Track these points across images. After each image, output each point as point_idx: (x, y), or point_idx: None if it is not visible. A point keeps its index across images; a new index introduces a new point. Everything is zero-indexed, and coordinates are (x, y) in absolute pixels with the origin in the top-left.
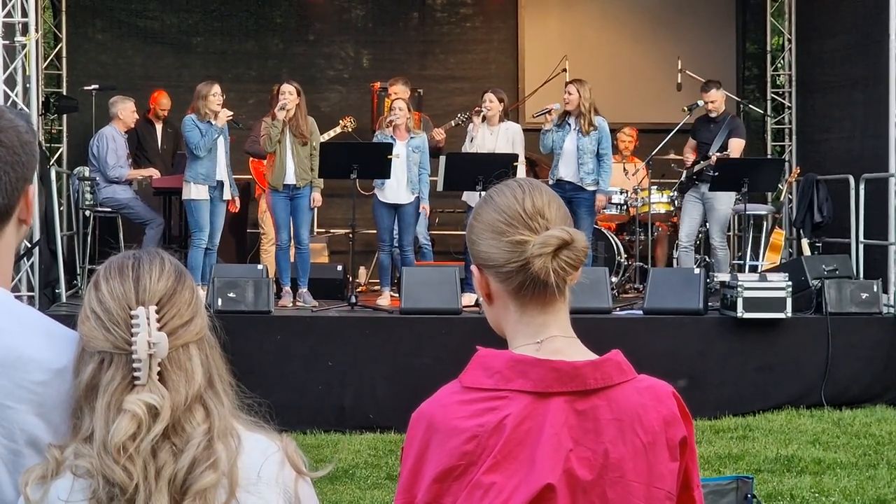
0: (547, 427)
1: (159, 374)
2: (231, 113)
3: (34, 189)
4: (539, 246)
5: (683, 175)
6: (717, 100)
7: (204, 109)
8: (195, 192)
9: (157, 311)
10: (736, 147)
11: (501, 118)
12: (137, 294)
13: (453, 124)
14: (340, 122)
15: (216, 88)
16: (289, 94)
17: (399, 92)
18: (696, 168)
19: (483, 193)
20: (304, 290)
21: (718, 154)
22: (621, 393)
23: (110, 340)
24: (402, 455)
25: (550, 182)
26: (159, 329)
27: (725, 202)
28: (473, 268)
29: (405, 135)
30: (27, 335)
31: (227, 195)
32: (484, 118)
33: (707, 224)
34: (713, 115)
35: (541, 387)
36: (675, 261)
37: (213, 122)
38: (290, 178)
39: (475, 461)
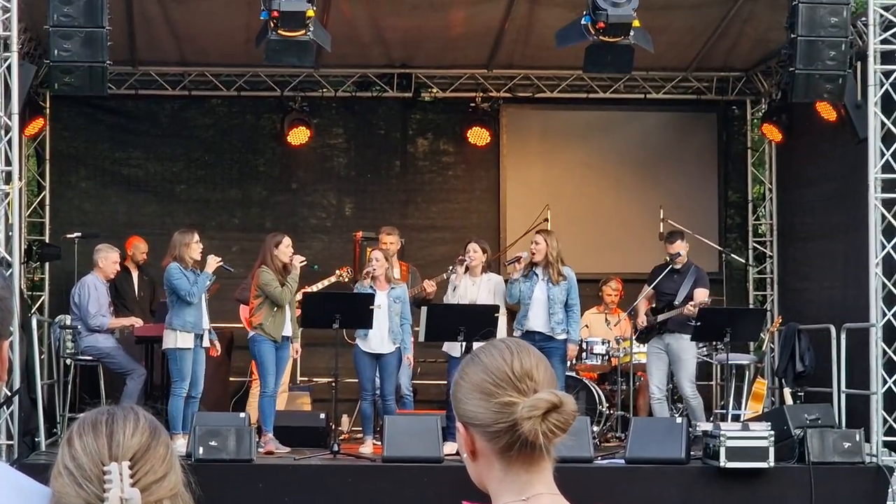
0: None
1: None
2: (219, 259)
3: (7, 346)
4: (528, 409)
5: (644, 322)
6: (681, 251)
7: (187, 257)
8: (181, 340)
9: (131, 467)
10: (700, 297)
11: (484, 269)
12: (111, 450)
13: (444, 277)
14: (337, 271)
15: (196, 236)
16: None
17: (390, 242)
18: (662, 318)
19: (463, 344)
20: (270, 435)
21: (703, 303)
22: None
23: (82, 497)
24: None
25: (518, 332)
26: (132, 485)
27: (690, 351)
28: (459, 425)
29: (385, 285)
30: None
31: (205, 342)
32: (467, 268)
33: (674, 375)
34: (677, 266)
35: None
36: (652, 412)
37: (199, 270)
38: (288, 330)
39: None
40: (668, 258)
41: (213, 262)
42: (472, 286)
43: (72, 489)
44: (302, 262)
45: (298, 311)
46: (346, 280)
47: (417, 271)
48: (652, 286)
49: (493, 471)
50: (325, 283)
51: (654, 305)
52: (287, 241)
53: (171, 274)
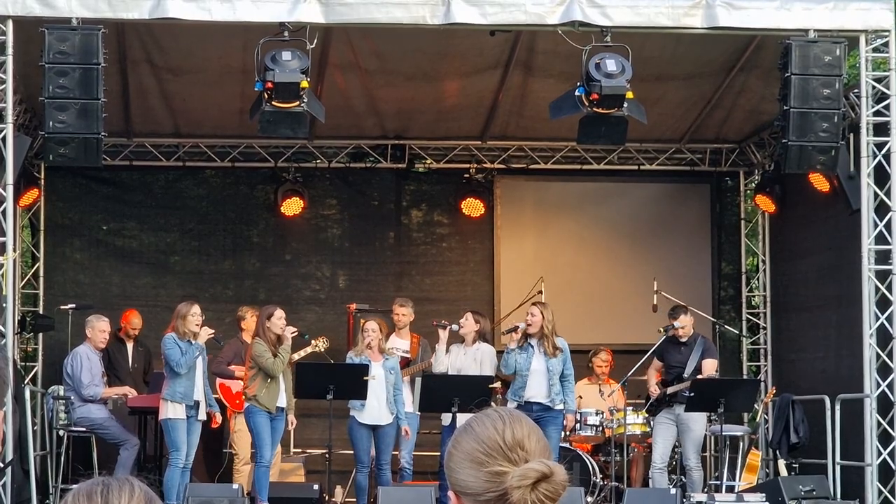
0: None
1: None
2: (212, 332)
3: (2, 416)
4: (518, 478)
5: (653, 397)
6: (686, 325)
7: (183, 329)
8: (172, 410)
9: None
10: (709, 368)
11: (475, 339)
12: None
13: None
14: (312, 341)
15: (195, 309)
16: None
17: (402, 314)
18: (671, 391)
19: (454, 412)
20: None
21: (700, 377)
22: None
23: None
24: None
25: (514, 403)
26: None
27: (700, 423)
28: (451, 493)
29: (379, 356)
30: None
31: (202, 415)
32: (457, 334)
33: (680, 445)
34: (682, 339)
35: None
36: (650, 481)
37: (194, 341)
38: (282, 401)
39: None
40: (662, 329)
41: (205, 333)
42: (464, 355)
43: None
44: (293, 332)
45: None
46: (322, 350)
47: (428, 344)
48: (660, 359)
49: None
50: (302, 353)
51: (663, 378)
52: (279, 312)
53: (165, 344)
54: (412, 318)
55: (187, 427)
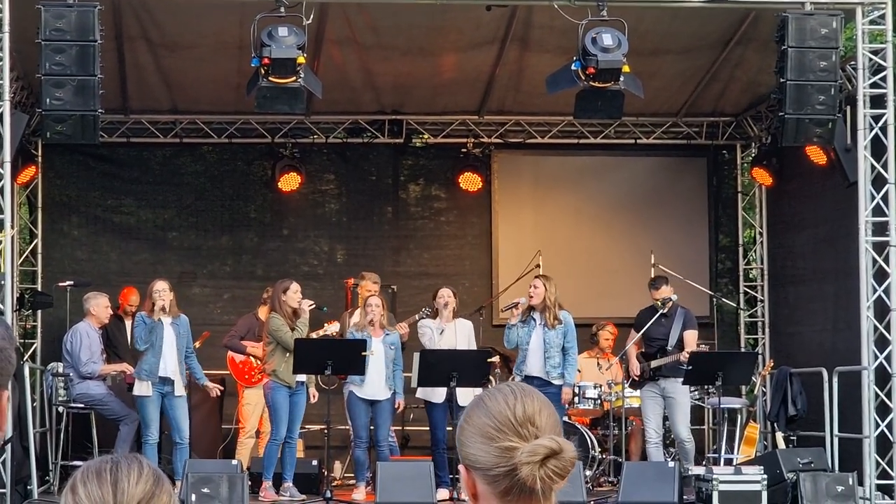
0: None
1: None
2: (163, 302)
3: (8, 394)
4: (527, 454)
5: (633, 373)
6: (669, 295)
7: (147, 305)
8: (138, 388)
9: None
10: (691, 339)
11: (455, 314)
12: (115, 497)
13: (416, 318)
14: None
15: (159, 285)
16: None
17: (371, 288)
18: (655, 364)
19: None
20: (289, 483)
21: (689, 352)
22: None
23: None
24: None
25: (518, 378)
26: None
27: (685, 395)
28: (461, 467)
29: (380, 331)
30: None
31: (179, 391)
32: (436, 313)
33: (669, 419)
34: (664, 310)
35: None
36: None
37: (159, 318)
38: (302, 375)
39: None
40: (658, 303)
41: (158, 308)
42: (447, 331)
43: None
44: (311, 305)
45: None
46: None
47: (394, 317)
48: (640, 332)
49: None
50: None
51: (643, 350)
52: (295, 286)
53: (136, 322)
54: (377, 289)
55: (169, 404)
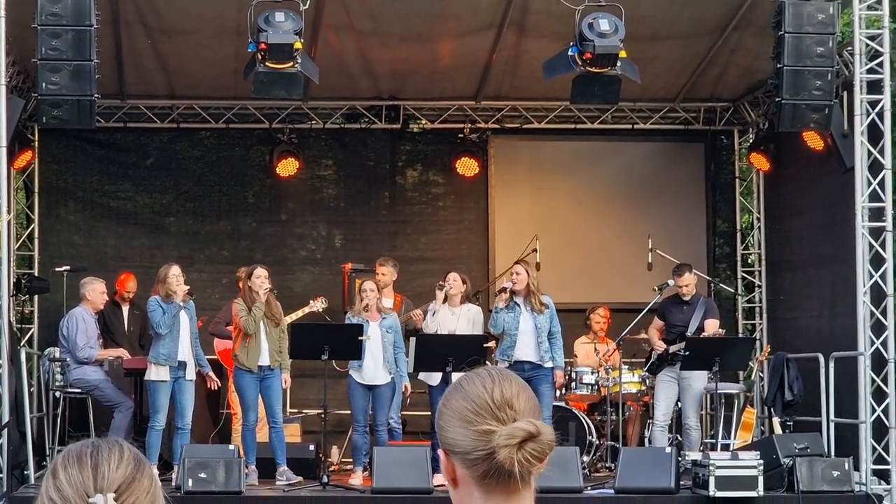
0: None
1: None
2: (187, 287)
3: None
4: (505, 437)
5: (654, 355)
6: (689, 283)
7: (164, 290)
8: (155, 372)
9: (116, 499)
10: (712, 327)
11: (463, 300)
12: (96, 481)
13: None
14: (311, 301)
15: (174, 270)
16: (264, 278)
17: (383, 273)
18: (674, 349)
19: (448, 371)
20: (284, 467)
21: (717, 333)
22: None
23: None
24: None
25: (504, 363)
26: None
27: (701, 382)
28: (440, 452)
29: (377, 315)
30: None
31: (190, 375)
32: (446, 297)
33: (680, 403)
34: (685, 297)
35: None
36: (646, 440)
37: (175, 302)
38: (265, 360)
39: None
40: (656, 288)
41: (181, 291)
42: (451, 316)
43: None
44: (266, 289)
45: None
46: (320, 310)
47: (412, 303)
48: (661, 318)
49: (473, 499)
50: (300, 313)
51: (664, 337)
52: (259, 271)
53: (149, 306)
54: (395, 278)
55: (178, 388)
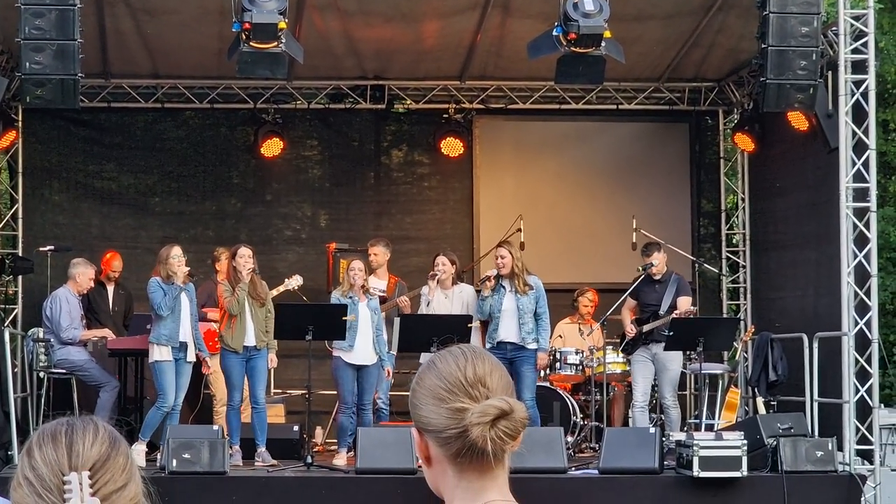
0: None
1: None
2: (187, 269)
3: None
4: (478, 415)
5: (629, 336)
6: (659, 261)
7: (165, 272)
8: (158, 353)
9: (91, 477)
10: (684, 305)
11: (454, 281)
12: (70, 460)
13: (419, 293)
14: (286, 279)
15: (176, 251)
16: (248, 258)
17: (374, 253)
18: (647, 328)
19: (433, 352)
20: (262, 449)
21: (689, 311)
22: None
23: None
24: None
25: (489, 345)
26: (92, 494)
27: (677, 361)
28: (414, 430)
29: (364, 296)
30: None
31: (191, 356)
32: (438, 282)
33: (657, 383)
34: (656, 276)
35: None
36: (630, 420)
37: (176, 283)
38: (251, 340)
39: None
40: (640, 268)
41: (182, 272)
42: (445, 299)
43: (31, 499)
44: (249, 269)
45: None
46: (295, 288)
47: (406, 285)
48: (634, 298)
49: (447, 477)
50: (275, 292)
51: (637, 317)
52: (243, 251)
53: (150, 287)
54: (387, 258)
55: (178, 369)
